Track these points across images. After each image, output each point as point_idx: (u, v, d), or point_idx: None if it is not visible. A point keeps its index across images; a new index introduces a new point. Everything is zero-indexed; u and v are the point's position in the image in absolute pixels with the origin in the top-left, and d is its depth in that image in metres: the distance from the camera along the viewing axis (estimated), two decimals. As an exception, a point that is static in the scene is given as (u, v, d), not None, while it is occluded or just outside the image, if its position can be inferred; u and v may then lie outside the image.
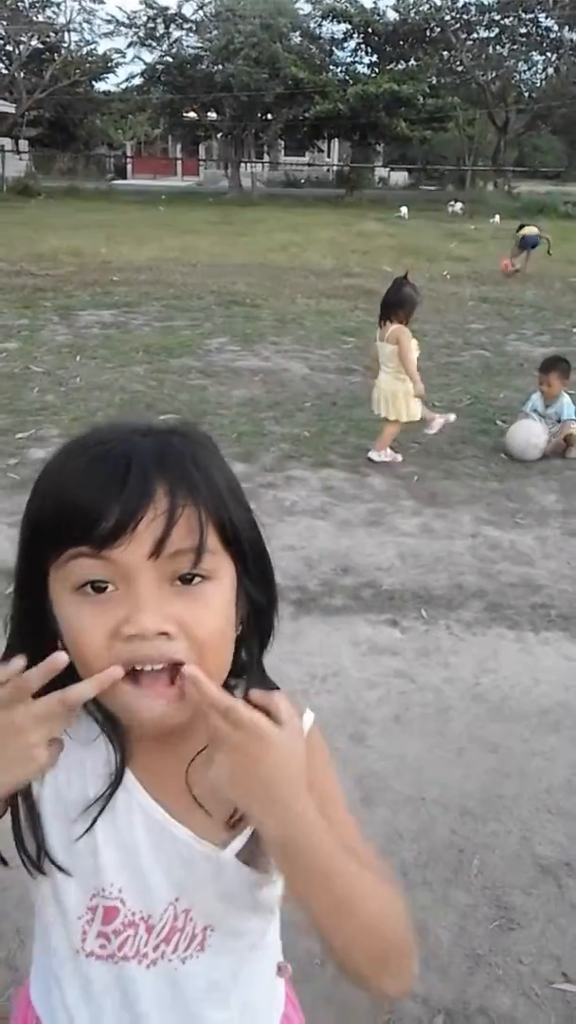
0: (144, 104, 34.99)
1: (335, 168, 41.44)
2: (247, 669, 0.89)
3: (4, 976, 2.01)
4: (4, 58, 37.33)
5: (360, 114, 31.26)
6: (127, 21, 34.03)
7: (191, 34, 33.83)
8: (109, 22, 37.65)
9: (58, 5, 37.90)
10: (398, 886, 0.90)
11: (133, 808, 0.88)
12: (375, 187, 38.46)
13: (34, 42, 36.84)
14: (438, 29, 33.48)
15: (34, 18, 37.15)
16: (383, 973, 0.84)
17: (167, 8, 33.14)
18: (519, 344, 9.24)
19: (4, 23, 35.77)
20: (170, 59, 33.67)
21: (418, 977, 2.00)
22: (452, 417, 5.79)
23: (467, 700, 3.13)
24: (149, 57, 34.42)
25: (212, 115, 34.46)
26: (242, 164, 34.98)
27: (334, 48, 34.48)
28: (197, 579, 0.77)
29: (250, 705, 0.77)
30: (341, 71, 33.84)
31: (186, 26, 33.71)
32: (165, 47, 33.95)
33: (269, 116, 33.94)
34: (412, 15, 33.18)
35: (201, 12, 33.24)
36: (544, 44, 35.12)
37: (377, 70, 33.61)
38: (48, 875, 0.90)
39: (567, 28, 33.79)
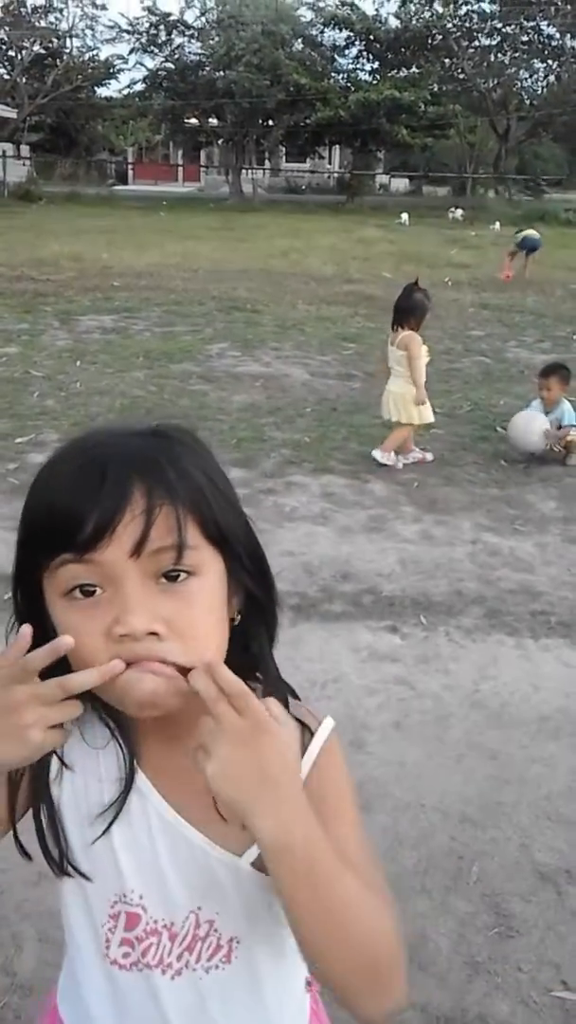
0: (146, 110, 35.06)
1: (336, 175, 41.54)
2: (259, 663, 0.89)
3: (2, 982, 2.00)
4: (6, 63, 37.54)
5: (361, 121, 31.35)
6: (129, 27, 34.23)
7: (193, 40, 33.95)
8: (111, 28, 37.76)
9: (61, 11, 38.02)
10: (393, 905, 0.89)
11: (149, 812, 0.88)
12: (376, 194, 38.54)
13: (36, 47, 37.06)
14: (440, 36, 33.56)
15: (36, 23, 37.37)
16: (369, 991, 0.82)
17: (169, 15, 33.31)
18: (519, 351, 9.25)
19: (6, 28, 35.93)
20: (172, 65, 33.80)
21: (417, 985, 2.00)
22: (430, 457, 5.72)
23: (467, 707, 3.13)
24: (151, 63, 34.65)
25: (213, 121, 34.56)
26: (243, 170, 35.06)
27: (336, 55, 34.57)
28: (182, 575, 0.78)
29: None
30: (343, 78, 33.92)
31: (188, 33, 33.83)
32: (167, 53, 34.06)
33: (270, 122, 34.04)
34: (414, 22, 33.28)
35: (203, 19, 33.35)
36: (545, 52, 35.23)
37: (379, 77, 33.67)
38: (72, 878, 0.90)
39: (568, 36, 33.91)
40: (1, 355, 8.00)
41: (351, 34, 33.72)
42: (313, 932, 0.78)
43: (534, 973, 2.08)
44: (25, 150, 35.22)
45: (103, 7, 50.30)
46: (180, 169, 44.73)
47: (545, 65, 36.35)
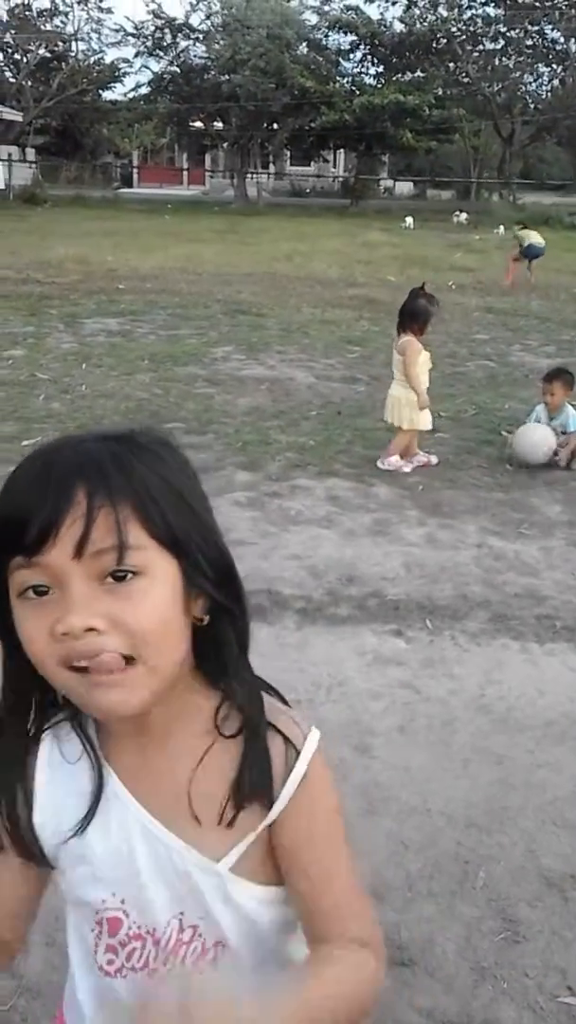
0: (151, 113, 35.12)
1: (340, 178, 41.57)
2: (228, 667, 0.89)
3: (9, 984, 2.00)
4: (12, 67, 37.66)
5: (366, 124, 31.39)
6: (135, 31, 34.28)
7: (198, 44, 34.02)
8: (117, 32, 37.88)
9: (66, 14, 38.11)
10: (376, 926, 0.93)
11: (128, 819, 0.89)
12: (380, 197, 38.58)
13: (42, 51, 37.16)
14: (444, 40, 33.64)
15: (42, 27, 37.45)
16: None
17: (175, 18, 33.37)
18: (524, 355, 9.25)
19: (12, 32, 36.02)
20: (177, 69, 33.88)
21: (423, 990, 2.01)
22: (434, 460, 5.72)
23: (472, 711, 3.13)
24: (156, 66, 34.73)
25: (218, 124, 34.60)
26: (248, 174, 35.11)
27: (340, 59, 34.66)
28: (129, 575, 0.79)
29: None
30: (347, 82, 33.95)
31: (193, 36, 33.89)
32: (172, 57, 34.14)
33: (275, 126, 34.10)
34: (418, 26, 33.35)
35: (208, 22, 33.41)
36: (550, 56, 35.28)
37: (383, 81, 33.74)
38: (62, 886, 0.93)
39: (573, 40, 33.96)
40: (7, 358, 8.01)
41: (356, 38, 33.79)
42: None
43: (540, 979, 2.08)
44: (30, 153, 35.31)
45: (109, 11, 50.42)
46: (185, 172, 44.81)
47: (550, 69, 36.44)
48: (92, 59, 38.98)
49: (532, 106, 37.50)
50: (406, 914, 2.23)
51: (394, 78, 33.68)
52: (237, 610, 0.88)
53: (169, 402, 6.83)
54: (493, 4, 34.10)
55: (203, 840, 0.87)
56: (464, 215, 27.57)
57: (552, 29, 33.90)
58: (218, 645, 0.89)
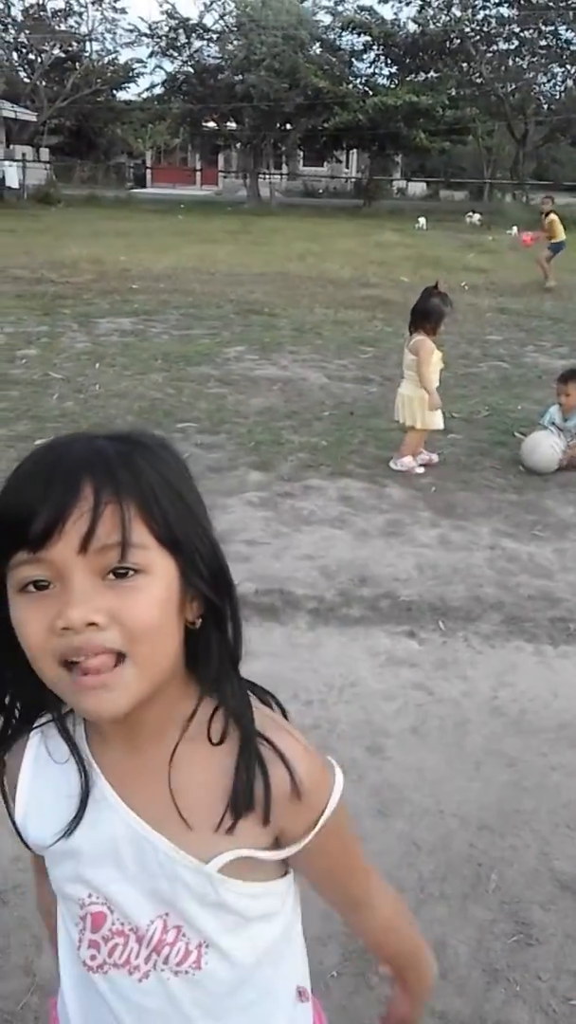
0: (164, 113, 35.13)
1: (354, 179, 41.52)
2: (218, 675, 0.90)
3: (23, 982, 2.01)
4: (26, 67, 37.74)
5: (379, 125, 31.31)
6: (149, 31, 34.27)
7: (212, 44, 34.03)
8: (131, 32, 37.89)
9: (80, 15, 38.17)
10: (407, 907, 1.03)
11: (115, 820, 0.89)
12: (393, 198, 38.52)
13: (56, 51, 37.24)
14: (458, 41, 33.50)
15: (56, 27, 37.52)
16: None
17: (188, 19, 33.37)
18: (537, 356, 9.22)
19: (27, 32, 36.12)
20: (191, 69, 33.86)
21: (435, 992, 2.00)
22: (435, 459, 5.70)
23: (485, 713, 3.12)
24: (170, 67, 34.65)
25: (232, 125, 34.58)
26: (261, 174, 35.11)
27: (354, 59, 34.57)
28: (130, 573, 0.79)
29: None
30: (361, 82, 33.90)
31: (207, 36, 33.91)
32: (186, 57, 34.15)
33: (288, 126, 34.04)
34: (432, 27, 33.24)
35: (222, 22, 33.42)
36: (564, 56, 35.08)
37: (397, 81, 33.63)
38: (50, 880, 0.96)
39: (587, 41, 33.80)
40: (21, 357, 8.04)
41: (369, 38, 33.70)
42: None
43: (553, 982, 2.07)
44: (44, 153, 35.37)
45: (123, 11, 50.60)
46: (198, 173, 44.84)
47: (564, 70, 36.19)
48: (106, 59, 39.01)
49: (546, 106, 37.32)
50: (418, 916, 2.22)
51: (407, 78, 33.57)
52: (229, 610, 0.89)
53: (182, 402, 6.84)
54: (507, 4, 33.92)
55: (191, 842, 0.88)
56: (477, 216, 27.49)
57: (566, 29, 33.71)
58: (209, 649, 0.89)
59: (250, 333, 9.59)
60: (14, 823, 0.93)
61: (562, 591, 4.08)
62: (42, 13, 37.21)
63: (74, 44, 38.07)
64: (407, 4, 34.87)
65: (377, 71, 35.06)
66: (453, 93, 33.01)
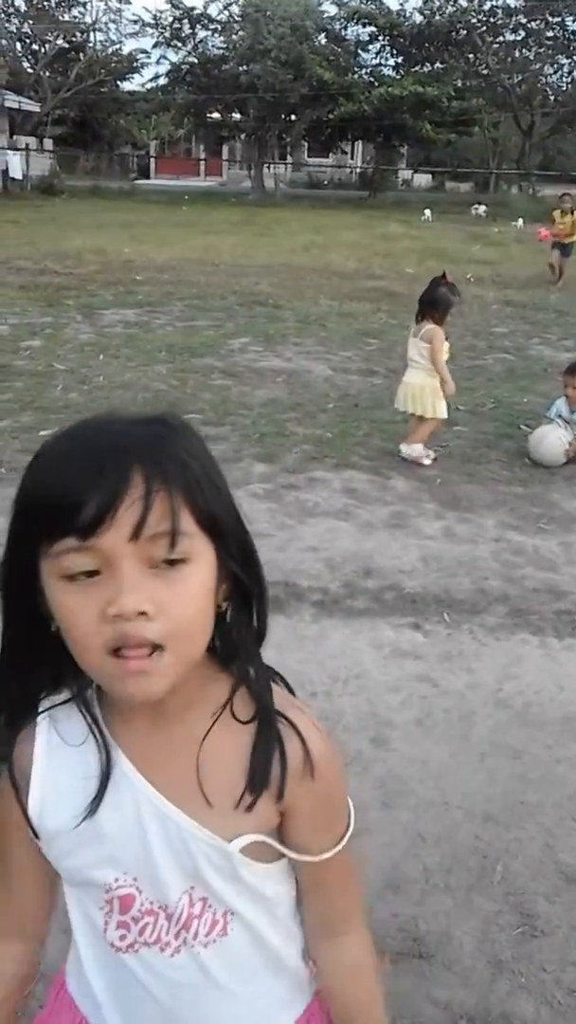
0: (168, 104, 35.06)
1: (359, 170, 41.39)
2: (240, 651, 0.91)
3: (27, 971, 2.01)
4: (30, 57, 37.61)
5: (385, 116, 31.23)
6: (153, 21, 34.20)
7: (216, 35, 33.90)
8: (135, 22, 37.88)
9: (84, 5, 38.13)
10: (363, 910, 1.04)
11: (138, 799, 0.90)
12: (399, 189, 38.41)
13: (60, 41, 37.09)
14: (464, 32, 33.38)
15: (60, 17, 37.41)
16: None
17: (193, 8, 33.24)
18: (543, 348, 9.19)
19: (31, 22, 36.01)
20: (195, 59, 33.75)
21: (440, 982, 2.00)
22: (432, 455, 5.68)
23: (490, 705, 3.12)
24: (174, 57, 34.56)
25: (236, 116, 34.51)
26: (265, 165, 35.00)
27: (359, 50, 34.44)
28: (177, 562, 0.80)
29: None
30: (366, 73, 33.78)
31: (211, 27, 33.79)
32: (190, 47, 34.04)
33: (293, 117, 33.91)
34: (438, 18, 33.10)
35: (227, 12, 33.30)
36: (571, 47, 34.96)
37: (402, 72, 33.52)
38: (65, 868, 0.95)
39: (594, 32, 33.64)
40: (25, 348, 8.03)
41: (375, 29, 33.56)
42: None
43: (558, 974, 2.07)
44: (48, 144, 35.26)
45: (127, 1, 50.38)
46: (202, 163, 44.73)
47: (570, 61, 36.10)
48: (110, 50, 38.87)
49: (552, 98, 37.21)
50: (423, 907, 2.22)
51: (413, 69, 33.45)
52: (258, 592, 0.90)
53: (186, 393, 6.82)
54: (513, -5, 33.86)
55: (213, 820, 0.89)
56: (483, 207, 27.42)
57: (573, 20, 33.62)
58: (237, 630, 0.90)
59: (254, 325, 9.57)
60: (26, 816, 0.92)
61: (567, 584, 4.07)
62: (46, 3, 37.09)
63: (78, 34, 37.90)
64: (413, -6, 34.75)
65: (383, 62, 35.03)
66: (459, 84, 32.95)
